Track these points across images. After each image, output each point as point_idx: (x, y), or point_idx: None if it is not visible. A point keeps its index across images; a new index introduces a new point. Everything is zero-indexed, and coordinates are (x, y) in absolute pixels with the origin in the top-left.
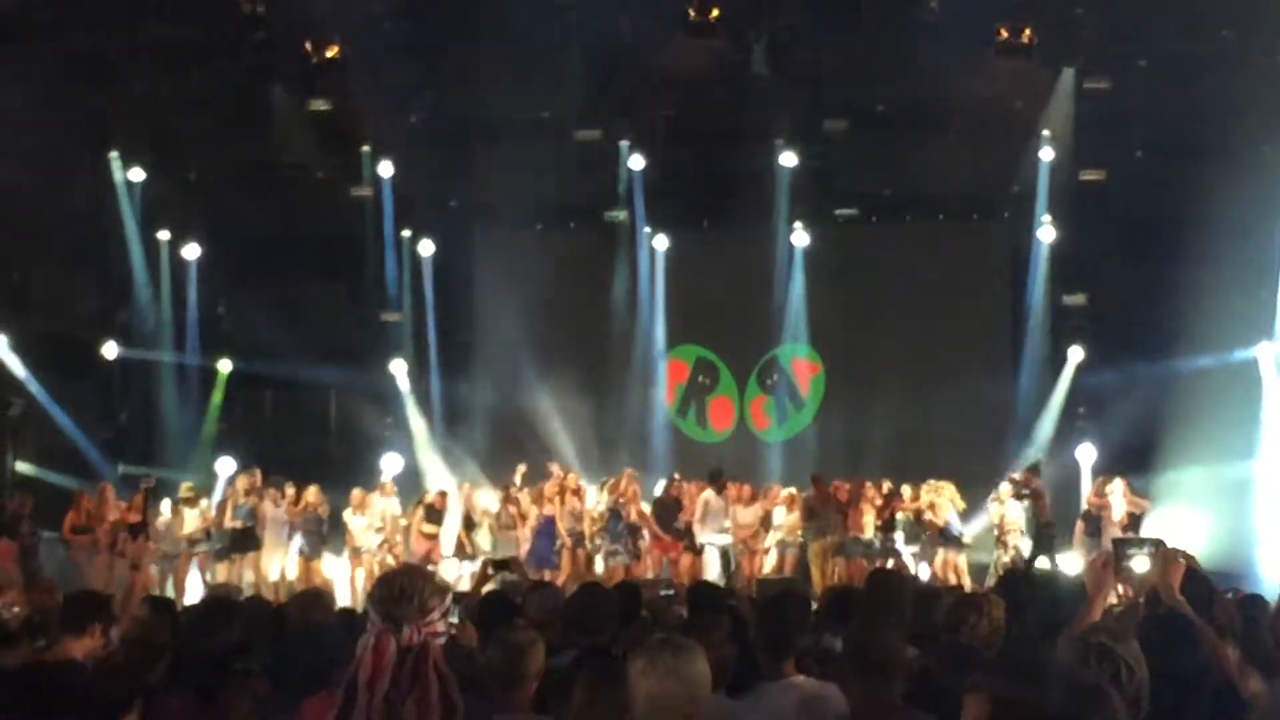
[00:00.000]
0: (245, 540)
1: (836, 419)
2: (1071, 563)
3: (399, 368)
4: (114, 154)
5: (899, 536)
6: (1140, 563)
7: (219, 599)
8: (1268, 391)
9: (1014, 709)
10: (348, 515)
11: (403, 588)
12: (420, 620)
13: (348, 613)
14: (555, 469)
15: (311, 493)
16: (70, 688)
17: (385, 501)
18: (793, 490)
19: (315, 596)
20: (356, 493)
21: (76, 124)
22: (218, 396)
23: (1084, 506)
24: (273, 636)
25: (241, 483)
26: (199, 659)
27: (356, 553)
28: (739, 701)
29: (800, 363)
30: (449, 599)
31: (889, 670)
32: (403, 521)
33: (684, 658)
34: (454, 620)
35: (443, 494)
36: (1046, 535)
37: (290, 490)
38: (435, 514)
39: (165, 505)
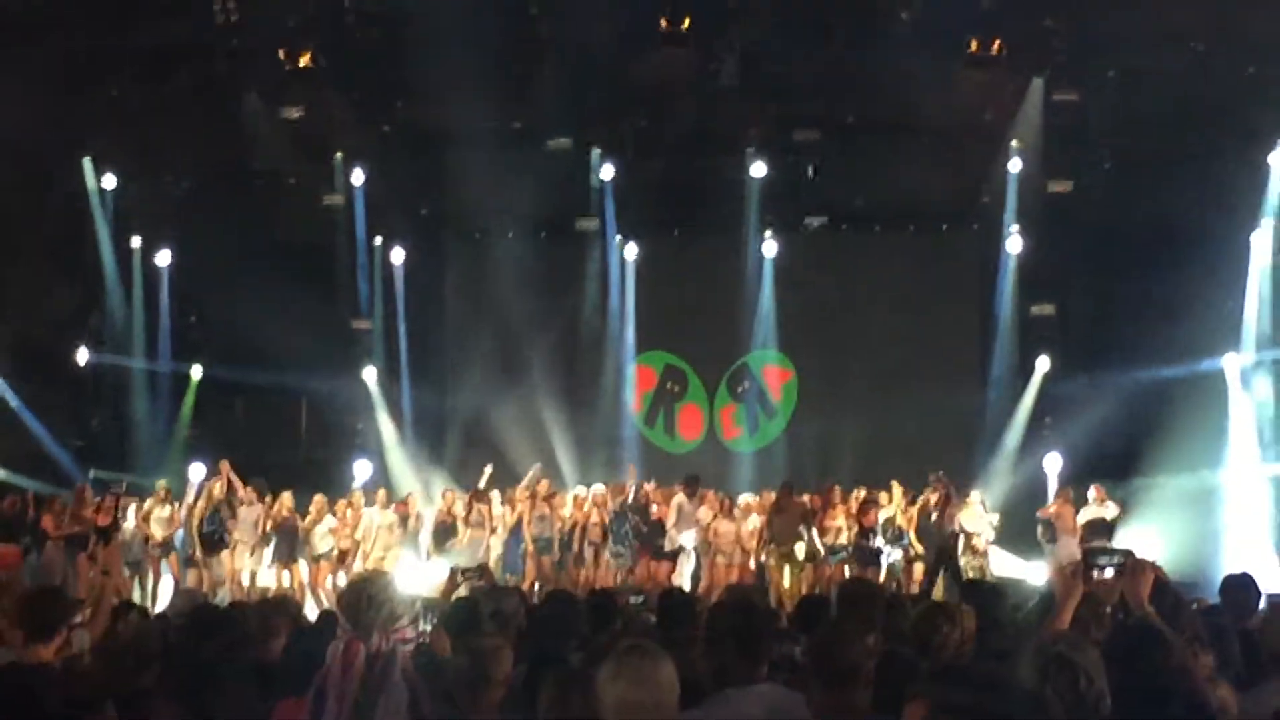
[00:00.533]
0: (215, 543)
1: (807, 427)
2: (1040, 571)
3: (370, 375)
4: (87, 160)
5: (879, 541)
6: (1108, 572)
7: (208, 608)
8: (1234, 402)
9: (953, 716)
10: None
11: (370, 596)
12: (389, 627)
13: (321, 619)
14: (536, 472)
15: (286, 499)
16: (37, 691)
17: (377, 513)
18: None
19: (286, 603)
20: (318, 499)
21: (50, 129)
22: (189, 402)
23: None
24: (256, 641)
25: (215, 489)
26: (187, 665)
27: (316, 560)
28: (702, 709)
29: (772, 369)
30: (418, 605)
31: (853, 679)
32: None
33: (651, 664)
34: (426, 628)
35: (404, 501)
36: (947, 546)
37: (258, 495)
38: (403, 520)
39: (131, 510)
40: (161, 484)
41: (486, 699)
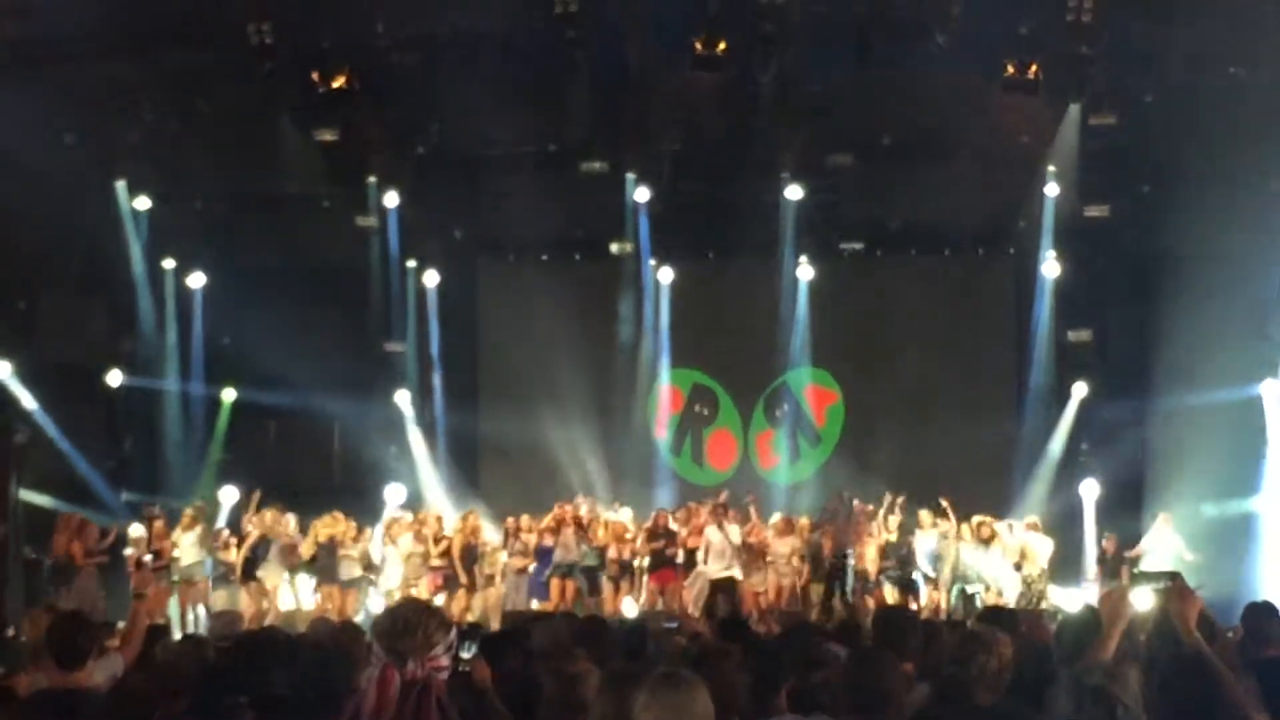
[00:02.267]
0: (252, 568)
1: (850, 455)
2: (1083, 597)
3: (403, 398)
4: (121, 182)
5: (923, 562)
6: (1147, 597)
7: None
8: (1271, 429)
9: None
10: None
11: (406, 621)
12: (425, 654)
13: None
14: (580, 500)
15: (324, 523)
16: (72, 716)
17: (409, 540)
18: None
19: (332, 625)
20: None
21: (83, 152)
22: (222, 425)
23: (1097, 548)
24: (288, 665)
25: (260, 523)
26: (226, 692)
27: (345, 585)
28: None
29: (814, 390)
30: (453, 633)
31: (886, 708)
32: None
33: (685, 692)
34: (466, 655)
35: (439, 519)
36: (835, 568)
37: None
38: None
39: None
40: (189, 509)
41: None
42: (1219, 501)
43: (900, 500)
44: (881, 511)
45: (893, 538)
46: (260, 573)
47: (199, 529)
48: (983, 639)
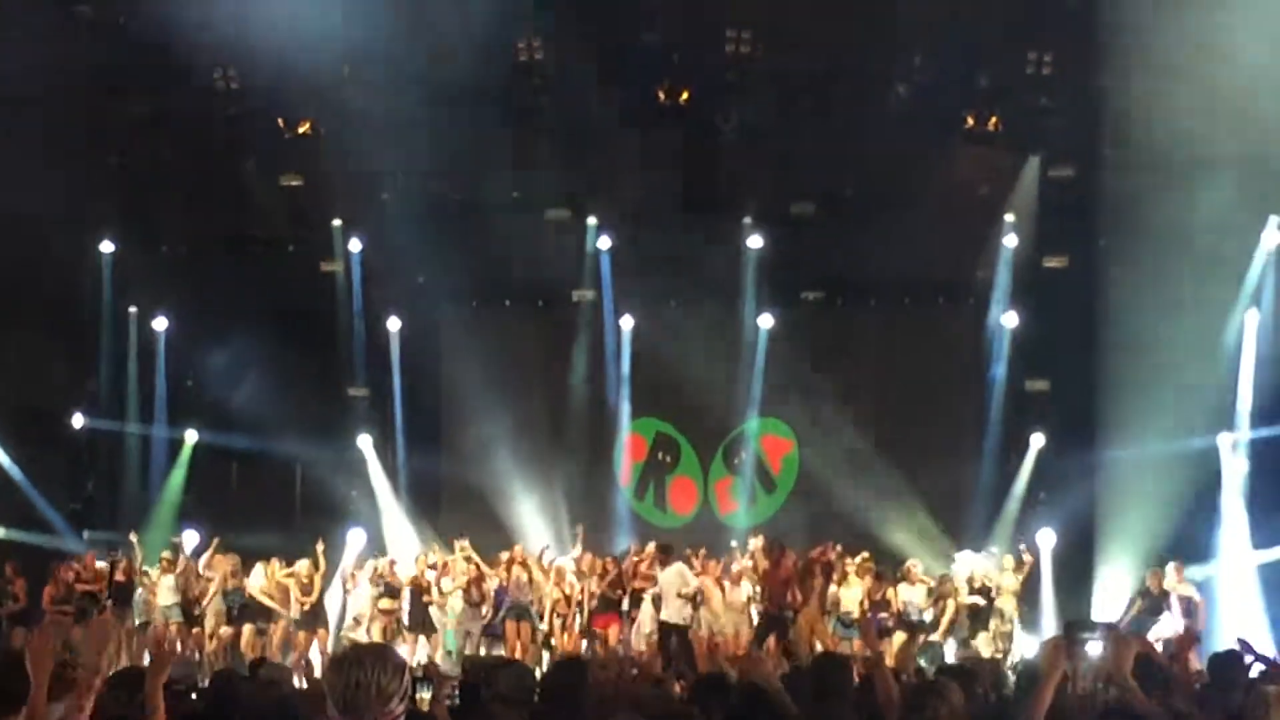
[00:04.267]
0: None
1: (806, 501)
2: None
3: (365, 443)
4: (85, 225)
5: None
6: (1093, 647)
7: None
8: (1226, 480)
9: None
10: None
11: (358, 680)
12: (381, 708)
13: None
14: (517, 551)
15: (305, 567)
16: None
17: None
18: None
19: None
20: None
21: (48, 195)
22: (183, 468)
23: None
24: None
25: (224, 565)
26: None
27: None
28: None
29: (771, 439)
30: (407, 679)
31: None
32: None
33: None
34: (424, 695)
35: (391, 563)
36: (768, 620)
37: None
38: (391, 589)
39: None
40: (165, 553)
41: None
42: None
43: (838, 550)
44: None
45: (850, 589)
46: (212, 616)
47: (175, 573)
48: (934, 687)
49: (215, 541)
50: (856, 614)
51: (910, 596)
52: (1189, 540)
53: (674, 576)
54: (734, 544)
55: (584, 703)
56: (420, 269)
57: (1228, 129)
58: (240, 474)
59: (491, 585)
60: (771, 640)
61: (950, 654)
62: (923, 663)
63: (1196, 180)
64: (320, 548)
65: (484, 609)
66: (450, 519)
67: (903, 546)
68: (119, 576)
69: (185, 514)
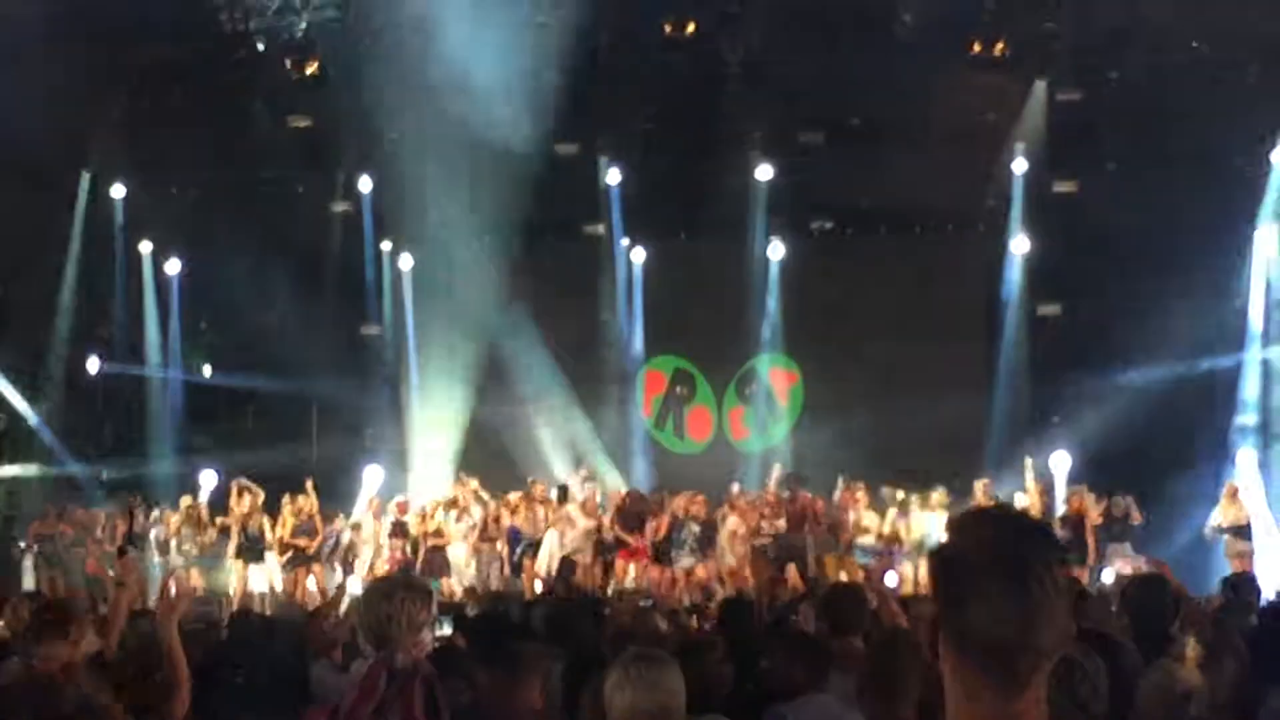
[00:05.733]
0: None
1: (814, 429)
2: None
3: (379, 381)
4: (95, 170)
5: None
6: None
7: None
8: (1239, 400)
9: None
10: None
11: (389, 613)
12: (412, 639)
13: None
14: (538, 489)
15: (308, 502)
16: (48, 699)
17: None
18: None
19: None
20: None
21: (58, 141)
22: (199, 409)
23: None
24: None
25: (242, 505)
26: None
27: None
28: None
29: (778, 372)
30: (435, 609)
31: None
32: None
33: (658, 670)
34: (445, 632)
35: (402, 505)
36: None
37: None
38: (402, 527)
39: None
40: (187, 499)
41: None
42: (1187, 474)
43: (845, 479)
44: (836, 495)
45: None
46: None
47: (196, 518)
48: None
49: (235, 485)
50: (873, 542)
51: (929, 527)
52: (1200, 456)
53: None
54: (734, 484)
55: (596, 637)
56: (429, 207)
57: (1232, 49)
58: (256, 414)
59: (505, 522)
60: (792, 569)
61: None
62: None
63: (1204, 101)
64: (310, 484)
65: (499, 545)
66: (467, 456)
67: (916, 475)
68: (137, 521)
69: (202, 455)
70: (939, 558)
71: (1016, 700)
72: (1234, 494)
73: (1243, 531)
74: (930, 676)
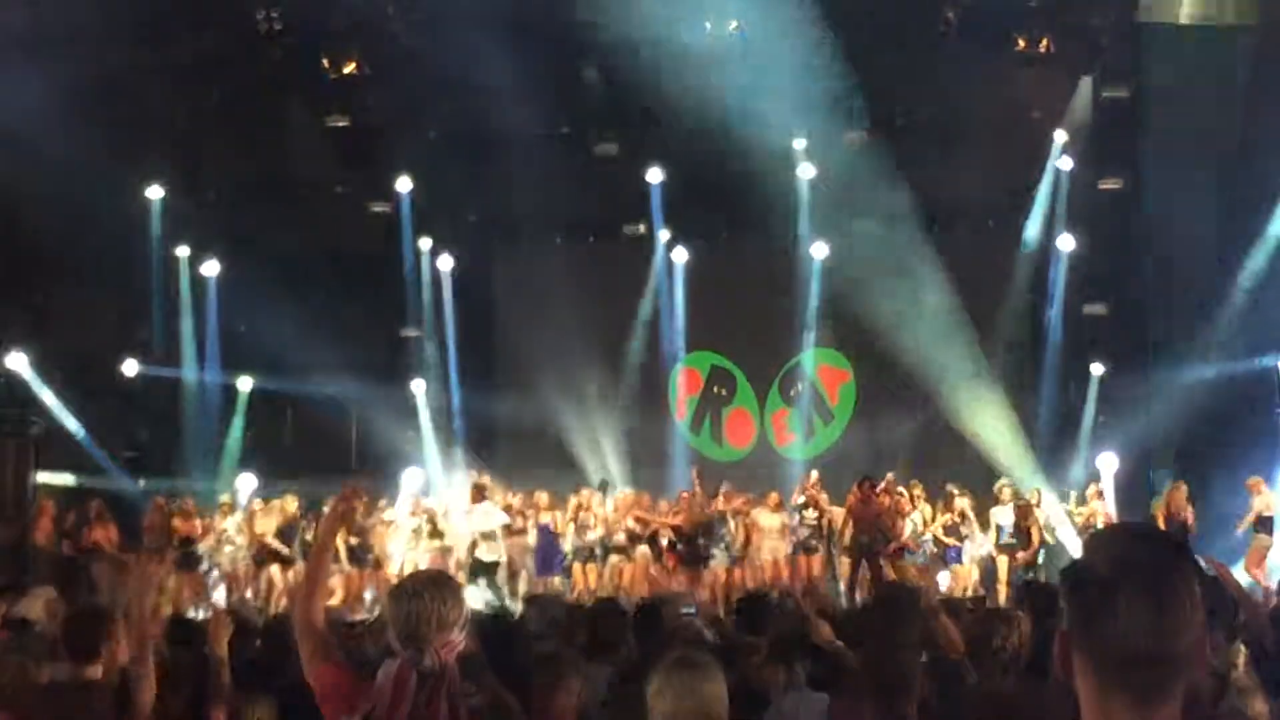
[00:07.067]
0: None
1: (863, 431)
2: None
3: (419, 387)
4: (133, 171)
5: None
6: None
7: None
8: None
9: None
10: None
11: (419, 611)
12: (442, 638)
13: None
14: (584, 496)
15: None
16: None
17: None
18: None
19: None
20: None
21: (95, 142)
22: (239, 413)
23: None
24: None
25: (290, 506)
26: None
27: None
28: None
29: (827, 370)
30: (467, 608)
31: (904, 689)
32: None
33: (700, 676)
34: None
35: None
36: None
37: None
38: (437, 530)
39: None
40: (225, 499)
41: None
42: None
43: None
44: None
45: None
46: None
47: (236, 518)
48: (1002, 614)
49: (256, 503)
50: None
51: (1001, 519)
52: (1247, 457)
53: (481, 516)
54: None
55: (627, 640)
56: (470, 207)
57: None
58: (295, 419)
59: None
60: (865, 572)
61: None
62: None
63: (1250, 94)
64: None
65: (529, 538)
66: (506, 458)
67: (968, 475)
68: (178, 524)
69: (241, 460)
70: (1073, 574)
71: (1155, 713)
72: (1257, 487)
73: (1265, 525)
74: (936, 673)
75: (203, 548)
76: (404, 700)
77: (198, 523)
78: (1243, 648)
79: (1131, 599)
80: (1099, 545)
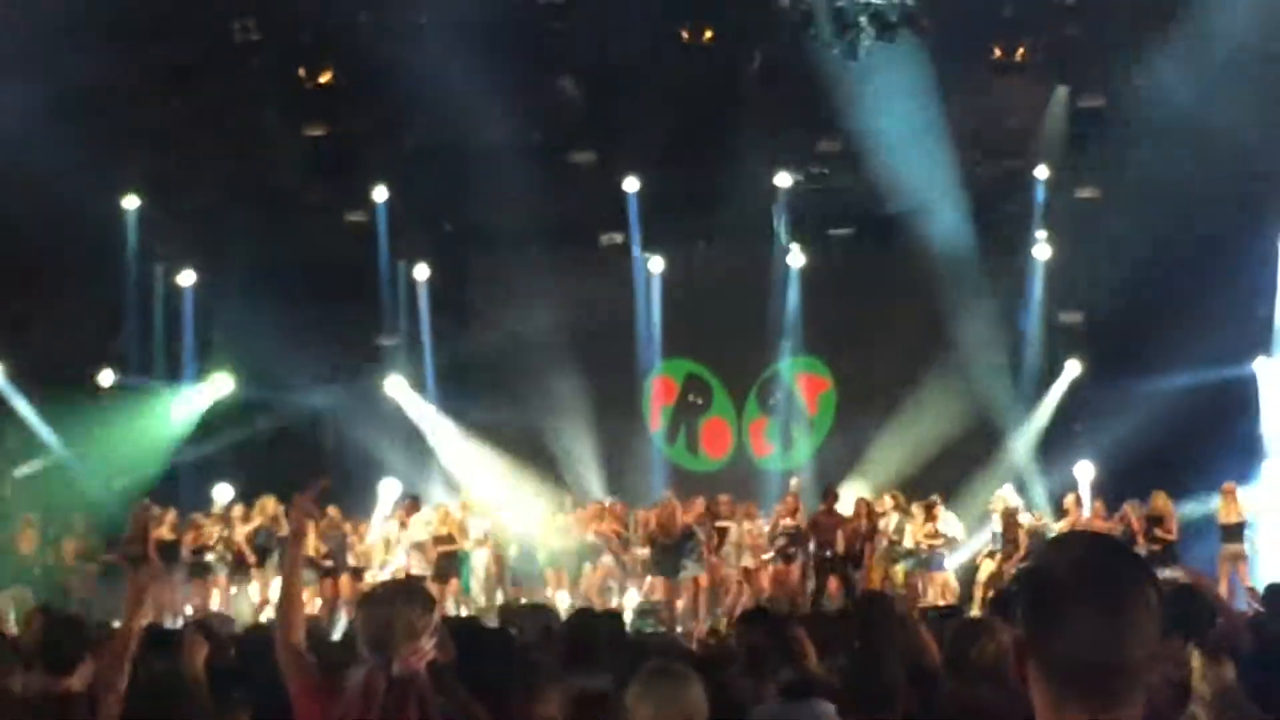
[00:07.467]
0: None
1: (842, 441)
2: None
3: (394, 384)
4: (109, 181)
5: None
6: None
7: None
8: (1265, 408)
9: None
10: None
11: (387, 619)
12: (411, 646)
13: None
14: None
15: (334, 511)
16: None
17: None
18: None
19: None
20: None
21: (70, 151)
22: (213, 422)
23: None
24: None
25: (269, 507)
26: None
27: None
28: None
29: (805, 378)
30: (437, 616)
31: (890, 700)
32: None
33: (679, 685)
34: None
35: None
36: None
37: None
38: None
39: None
40: (215, 511)
41: None
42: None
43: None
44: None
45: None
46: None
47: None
48: (983, 624)
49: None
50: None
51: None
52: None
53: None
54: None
55: (602, 651)
56: (446, 216)
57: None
58: (270, 426)
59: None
60: (833, 582)
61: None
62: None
63: (1228, 104)
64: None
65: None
66: (481, 465)
67: (944, 483)
68: (163, 533)
69: (216, 469)
70: (1027, 579)
71: None
72: (1231, 494)
73: (1235, 532)
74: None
75: (212, 556)
76: (373, 707)
77: (205, 530)
78: (1196, 651)
79: (1085, 606)
80: (1053, 552)
